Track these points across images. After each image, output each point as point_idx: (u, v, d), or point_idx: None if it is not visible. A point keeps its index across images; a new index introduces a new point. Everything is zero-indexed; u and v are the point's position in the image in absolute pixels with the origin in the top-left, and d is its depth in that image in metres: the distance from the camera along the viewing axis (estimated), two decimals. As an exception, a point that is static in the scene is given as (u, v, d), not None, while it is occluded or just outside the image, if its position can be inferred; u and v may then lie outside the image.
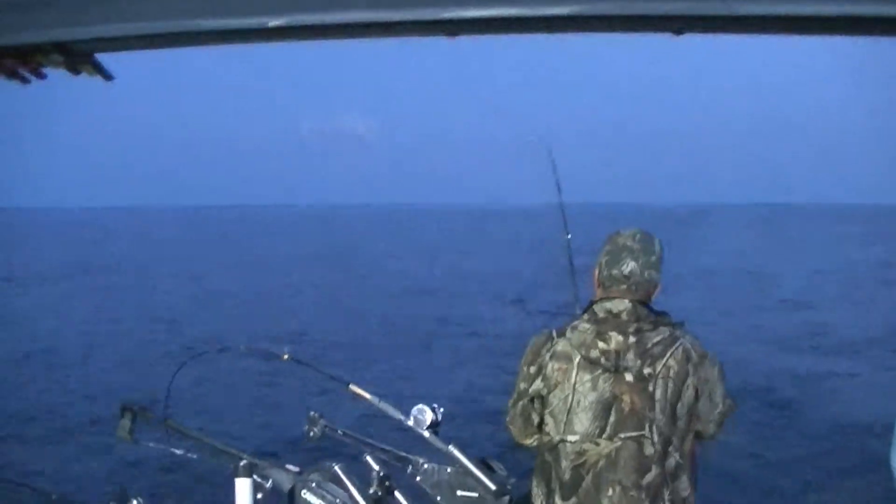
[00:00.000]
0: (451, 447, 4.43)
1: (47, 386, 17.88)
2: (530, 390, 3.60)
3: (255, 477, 3.89)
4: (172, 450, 4.47)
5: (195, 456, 4.47)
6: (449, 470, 4.47)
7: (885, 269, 39.88)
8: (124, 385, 16.78)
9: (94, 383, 17.90)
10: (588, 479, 3.47)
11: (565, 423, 3.50)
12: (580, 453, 3.48)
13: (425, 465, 4.50)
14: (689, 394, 3.51)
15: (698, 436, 3.59)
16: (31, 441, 14.11)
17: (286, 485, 4.22)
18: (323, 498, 4.13)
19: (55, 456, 12.76)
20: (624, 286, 3.58)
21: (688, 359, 3.51)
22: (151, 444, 4.52)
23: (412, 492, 4.41)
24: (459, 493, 4.46)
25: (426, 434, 4.45)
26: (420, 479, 4.51)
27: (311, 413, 4.65)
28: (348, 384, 4.64)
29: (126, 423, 4.57)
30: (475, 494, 4.44)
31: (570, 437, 3.49)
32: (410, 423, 4.46)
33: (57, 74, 1.76)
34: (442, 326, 25.19)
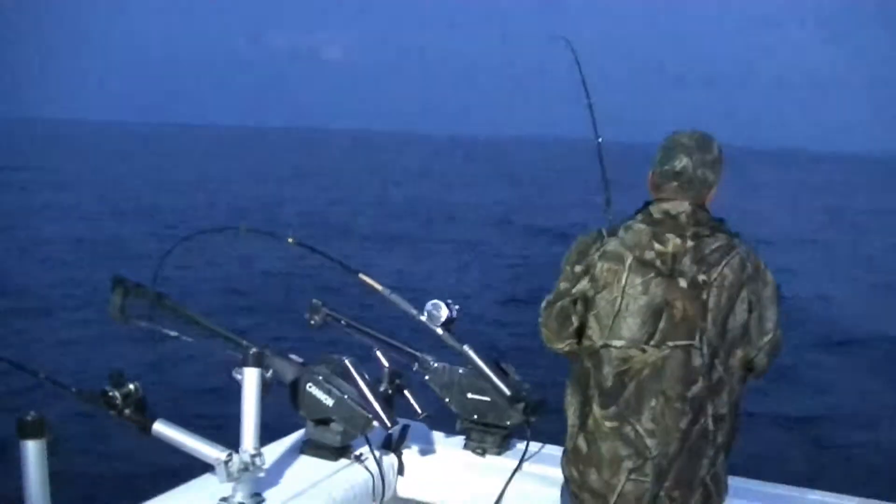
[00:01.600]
0: (465, 347, 4.18)
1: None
2: (573, 290, 3.33)
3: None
4: (167, 331, 4.19)
5: (191, 339, 4.20)
6: (461, 371, 4.23)
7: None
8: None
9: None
10: (631, 387, 3.23)
11: (611, 328, 3.24)
12: (625, 360, 3.24)
13: (435, 364, 4.26)
14: (742, 307, 3.27)
15: (748, 367, 3.35)
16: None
17: (289, 375, 3.96)
18: (329, 393, 3.88)
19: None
20: (675, 183, 3.31)
21: (743, 268, 3.27)
22: (144, 325, 4.23)
23: (419, 392, 4.17)
24: (470, 395, 4.23)
25: (439, 331, 4.20)
26: (429, 379, 4.28)
27: (314, 301, 4.38)
28: (357, 272, 4.36)
29: (117, 299, 4.28)
30: (487, 399, 4.21)
31: (616, 342, 3.24)
32: (423, 318, 4.20)
33: None
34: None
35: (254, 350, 3.52)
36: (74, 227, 26.46)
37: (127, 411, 3.51)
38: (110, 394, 3.49)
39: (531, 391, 4.23)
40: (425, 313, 4.20)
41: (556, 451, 4.36)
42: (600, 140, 4.66)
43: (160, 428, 3.49)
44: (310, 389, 3.91)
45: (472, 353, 4.16)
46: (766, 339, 3.34)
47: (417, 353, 4.29)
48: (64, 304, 15.48)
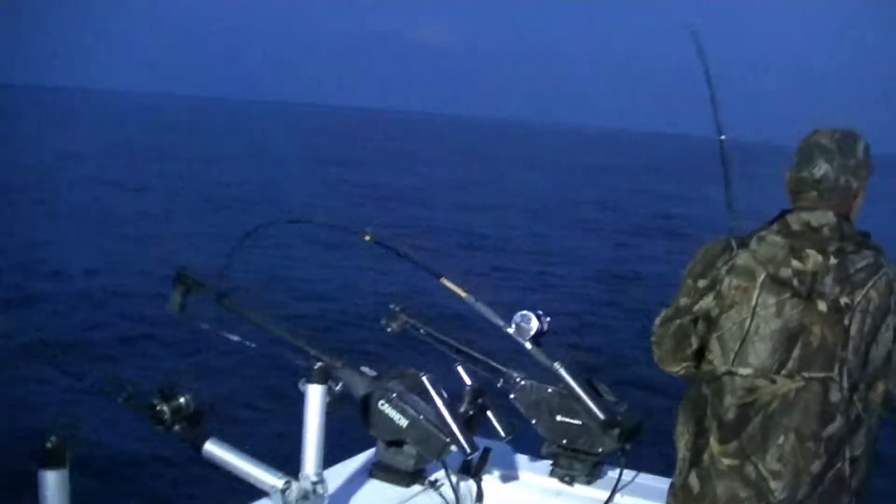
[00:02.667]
0: (556, 364, 3.77)
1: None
2: (695, 308, 2.91)
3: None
4: (228, 335, 3.84)
5: (254, 345, 3.85)
6: (550, 390, 3.81)
7: None
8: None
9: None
10: (756, 421, 2.82)
11: (736, 353, 2.83)
12: (750, 390, 2.82)
13: (522, 382, 3.85)
14: (887, 335, 2.87)
15: (887, 402, 2.91)
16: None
17: (360, 390, 3.58)
18: (403, 412, 3.48)
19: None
20: (814, 193, 2.90)
21: (891, 291, 2.86)
22: (205, 326, 3.91)
23: (503, 411, 3.76)
24: (560, 417, 3.81)
25: (528, 346, 3.79)
26: (514, 397, 3.86)
27: (392, 306, 4.03)
28: (440, 276, 3.97)
29: (177, 296, 3.97)
30: (578, 422, 3.79)
31: (742, 370, 2.82)
32: (511, 330, 3.80)
33: None
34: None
35: (319, 364, 3.14)
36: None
37: (176, 427, 3.16)
38: (158, 407, 3.14)
39: (627, 414, 3.80)
40: (513, 325, 3.80)
41: (651, 481, 3.95)
42: (723, 138, 4.20)
43: (212, 448, 3.13)
44: (382, 407, 3.51)
45: (563, 372, 3.74)
46: None
47: (502, 368, 3.88)
48: (118, 294, 14.66)
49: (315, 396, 3.11)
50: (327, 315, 13.51)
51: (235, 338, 3.84)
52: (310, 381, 3.12)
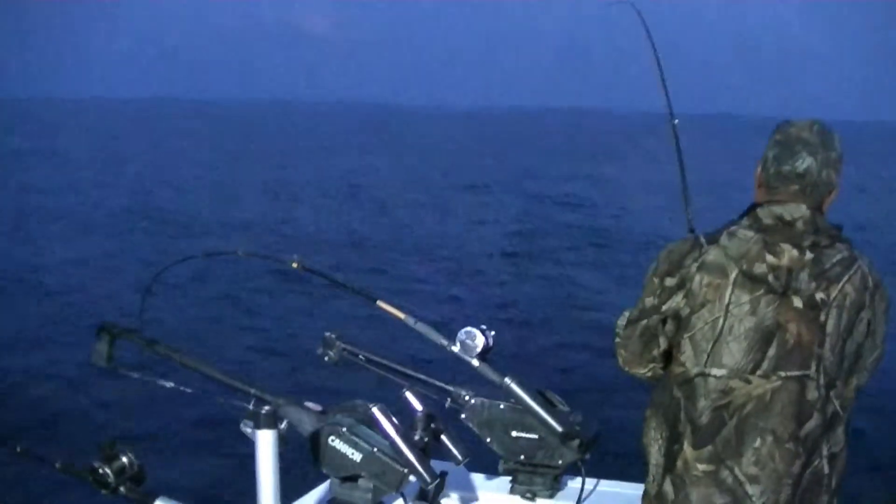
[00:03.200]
0: (507, 379, 3.66)
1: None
2: (663, 308, 2.82)
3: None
4: (162, 382, 3.66)
5: (190, 390, 3.67)
6: (502, 406, 3.71)
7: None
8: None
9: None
10: (731, 424, 2.75)
11: (710, 353, 2.75)
12: (725, 392, 2.74)
13: (472, 400, 3.73)
14: (860, 329, 2.83)
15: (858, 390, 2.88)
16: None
17: (307, 427, 3.42)
18: (356, 446, 3.32)
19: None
20: (796, 187, 2.82)
21: (865, 286, 2.81)
22: (136, 375, 3.72)
23: (456, 433, 3.64)
24: (515, 433, 3.71)
25: (475, 363, 3.68)
26: (465, 417, 3.75)
27: (327, 334, 3.90)
28: (375, 300, 3.83)
29: (103, 346, 3.77)
30: (535, 436, 3.69)
31: (715, 371, 2.74)
32: (456, 349, 3.69)
33: None
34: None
35: (266, 409, 2.97)
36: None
37: (122, 489, 2.99)
38: (100, 470, 2.96)
39: (584, 424, 3.71)
40: (458, 343, 3.68)
41: (613, 487, 3.89)
42: (676, 122, 4.11)
43: None
44: (333, 444, 3.35)
45: (514, 387, 3.63)
46: (873, 356, 2.88)
47: (450, 388, 3.77)
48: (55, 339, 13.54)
49: (266, 442, 2.94)
50: (261, 350, 12.93)
51: (170, 384, 3.66)
52: (258, 426, 2.96)
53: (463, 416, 3.73)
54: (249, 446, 3.33)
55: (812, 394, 2.74)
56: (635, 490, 3.80)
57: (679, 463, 2.82)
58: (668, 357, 2.90)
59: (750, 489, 2.73)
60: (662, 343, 2.88)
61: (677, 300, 2.80)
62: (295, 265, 3.97)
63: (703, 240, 2.81)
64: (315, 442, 3.40)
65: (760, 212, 2.80)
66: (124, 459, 3.01)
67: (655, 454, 2.92)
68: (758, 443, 2.72)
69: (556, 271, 19.70)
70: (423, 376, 3.77)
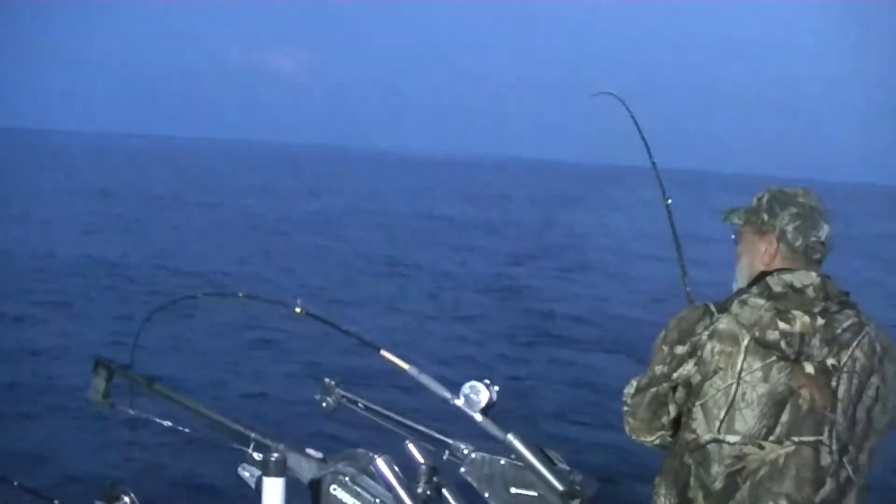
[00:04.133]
0: (509, 436, 3.62)
1: None
2: (674, 375, 2.85)
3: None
4: (159, 421, 3.63)
5: (187, 430, 3.63)
6: (503, 462, 3.66)
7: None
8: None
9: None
10: (744, 489, 2.77)
11: (722, 420, 2.76)
12: (738, 457, 2.77)
13: (472, 455, 3.69)
14: (870, 394, 2.86)
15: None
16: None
17: (307, 474, 3.40)
18: (358, 497, 3.31)
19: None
20: (818, 255, 2.92)
21: (874, 351, 2.86)
22: (132, 412, 3.68)
23: (457, 488, 3.61)
24: (514, 490, 3.66)
25: (479, 418, 3.64)
26: (464, 471, 3.70)
27: (326, 380, 3.83)
28: (379, 349, 3.80)
29: (100, 381, 3.75)
30: (534, 493, 3.64)
31: (729, 438, 2.77)
32: (460, 402, 3.65)
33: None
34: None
35: (276, 456, 2.94)
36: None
37: None
38: None
39: (584, 483, 3.68)
40: (461, 397, 3.65)
41: (611, 547, 3.85)
42: (669, 202, 4.20)
43: None
44: (335, 493, 3.34)
45: (517, 443, 3.60)
46: (884, 421, 2.91)
47: (449, 441, 3.73)
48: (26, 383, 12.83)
49: (274, 490, 2.92)
50: (257, 394, 12.63)
51: (168, 423, 3.64)
52: (267, 473, 2.93)
53: (462, 469, 3.69)
54: (247, 489, 3.32)
55: (825, 459, 2.76)
56: None
57: None
58: (677, 425, 2.91)
59: None
60: (672, 411, 2.90)
61: (688, 368, 2.83)
62: (298, 310, 3.93)
63: (713, 308, 2.85)
64: (316, 490, 3.38)
65: (770, 280, 2.85)
66: (126, 500, 2.98)
67: None
68: None
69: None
70: (422, 427, 3.73)
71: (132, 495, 3.01)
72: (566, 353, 16.33)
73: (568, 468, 3.72)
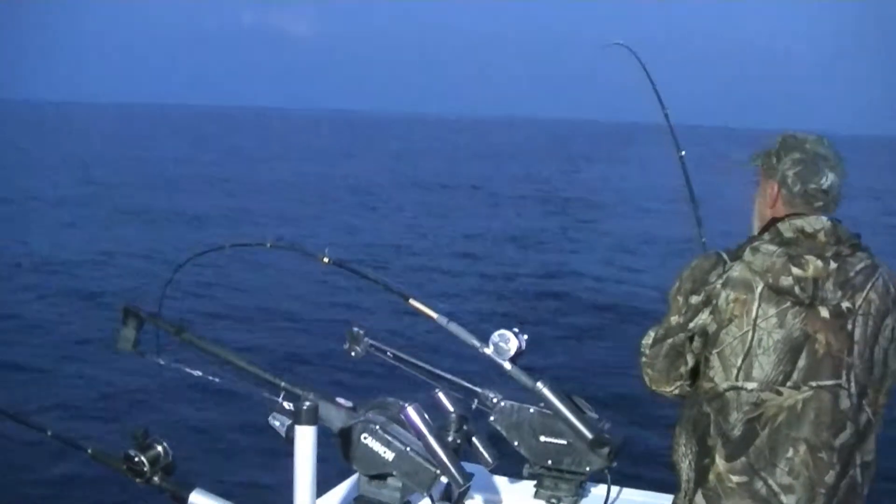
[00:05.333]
0: (539, 384, 3.64)
1: None
2: (690, 325, 2.83)
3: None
4: (189, 370, 3.64)
5: (217, 379, 3.64)
6: (532, 410, 3.68)
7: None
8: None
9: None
10: (763, 435, 2.76)
11: (739, 367, 2.75)
12: (756, 404, 2.75)
13: (501, 403, 3.70)
14: (886, 335, 2.83)
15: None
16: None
17: (337, 423, 3.41)
18: (388, 445, 3.31)
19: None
20: (821, 203, 2.86)
21: (888, 292, 2.83)
22: (161, 362, 3.70)
23: (487, 436, 3.62)
24: (543, 438, 3.68)
25: (508, 366, 3.66)
26: (493, 420, 3.72)
27: (353, 329, 3.85)
28: (407, 298, 3.80)
29: (129, 331, 3.75)
30: (564, 442, 3.66)
31: (747, 385, 2.75)
32: (489, 351, 3.66)
33: None
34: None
35: (308, 404, 2.92)
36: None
37: (156, 479, 2.96)
38: (136, 458, 2.95)
39: (612, 431, 3.69)
40: (491, 345, 3.65)
41: (637, 495, 3.89)
42: (683, 154, 4.17)
43: (198, 499, 2.94)
44: (365, 441, 3.34)
45: (546, 391, 3.61)
46: None
47: (478, 390, 3.74)
48: (57, 327, 13.32)
49: (306, 438, 2.90)
50: (286, 344, 12.48)
51: (198, 373, 3.65)
52: (299, 422, 2.92)
53: (491, 418, 3.70)
54: (276, 439, 3.32)
55: (844, 403, 2.75)
56: (659, 500, 3.79)
57: (711, 476, 2.81)
58: (695, 374, 2.90)
59: (784, 499, 2.72)
60: (689, 360, 2.88)
61: (703, 317, 2.81)
62: (325, 260, 3.92)
63: (726, 256, 2.82)
64: (346, 438, 3.38)
65: (782, 226, 2.82)
66: (159, 448, 2.99)
67: (686, 469, 2.91)
68: (790, 453, 2.73)
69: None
70: (450, 376, 3.74)
71: (165, 444, 3.01)
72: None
73: (597, 416, 3.73)
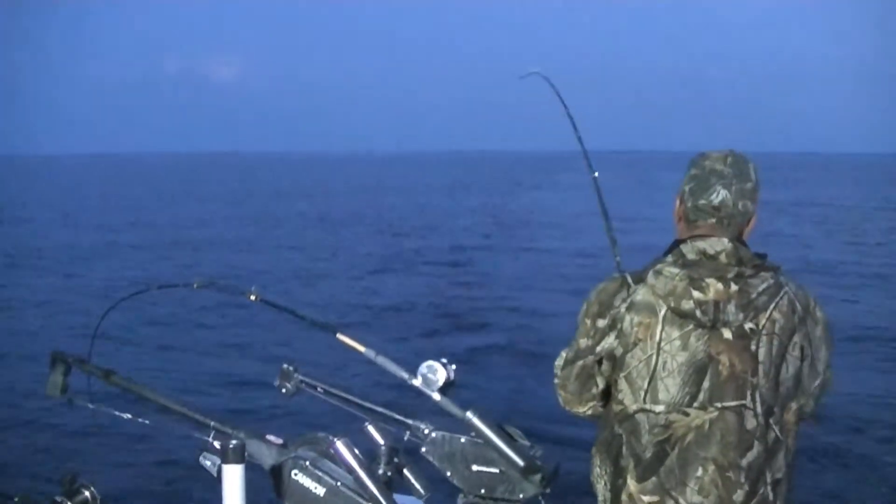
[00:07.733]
0: (468, 413, 3.65)
1: None
2: (597, 349, 2.89)
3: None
4: (118, 413, 3.61)
5: (147, 421, 3.62)
6: (463, 440, 3.69)
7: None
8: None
9: None
10: (673, 455, 2.82)
11: (646, 390, 2.82)
12: (665, 426, 2.81)
13: (432, 434, 3.71)
14: (794, 354, 2.89)
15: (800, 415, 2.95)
16: None
17: (268, 461, 3.40)
18: (319, 480, 3.32)
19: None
20: (713, 220, 2.92)
21: (793, 311, 2.88)
22: (91, 406, 3.66)
23: (418, 467, 3.63)
24: (476, 467, 3.69)
25: (437, 397, 3.67)
26: (425, 451, 3.73)
27: (284, 365, 3.85)
28: (336, 331, 3.81)
29: (58, 377, 3.71)
30: (496, 470, 3.67)
31: (655, 407, 2.82)
32: (417, 382, 3.67)
33: None
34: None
35: (234, 443, 2.92)
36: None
37: None
38: None
39: (544, 458, 3.72)
40: (419, 377, 3.67)
41: (571, 522, 3.90)
42: (596, 175, 4.25)
43: None
44: (296, 477, 3.34)
45: (476, 420, 3.62)
46: (816, 383, 2.95)
47: (409, 421, 3.75)
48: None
49: (233, 477, 2.90)
50: (217, 383, 12.76)
51: (127, 416, 3.62)
52: (225, 461, 2.92)
53: (423, 449, 3.71)
54: (206, 480, 3.31)
55: (750, 423, 2.80)
56: None
57: (624, 497, 2.88)
58: (607, 395, 2.95)
59: None
60: (600, 383, 2.95)
61: (610, 341, 2.87)
62: (253, 297, 3.93)
63: (630, 279, 2.88)
64: (277, 475, 3.38)
65: (684, 248, 2.88)
66: (86, 494, 2.97)
67: (602, 490, 2.99)
68: (700, 472, 2.78)
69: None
70: (382, 409, 3.75)
71: (93, 489, 2.99)
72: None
73: (528, 444, 3.76)
